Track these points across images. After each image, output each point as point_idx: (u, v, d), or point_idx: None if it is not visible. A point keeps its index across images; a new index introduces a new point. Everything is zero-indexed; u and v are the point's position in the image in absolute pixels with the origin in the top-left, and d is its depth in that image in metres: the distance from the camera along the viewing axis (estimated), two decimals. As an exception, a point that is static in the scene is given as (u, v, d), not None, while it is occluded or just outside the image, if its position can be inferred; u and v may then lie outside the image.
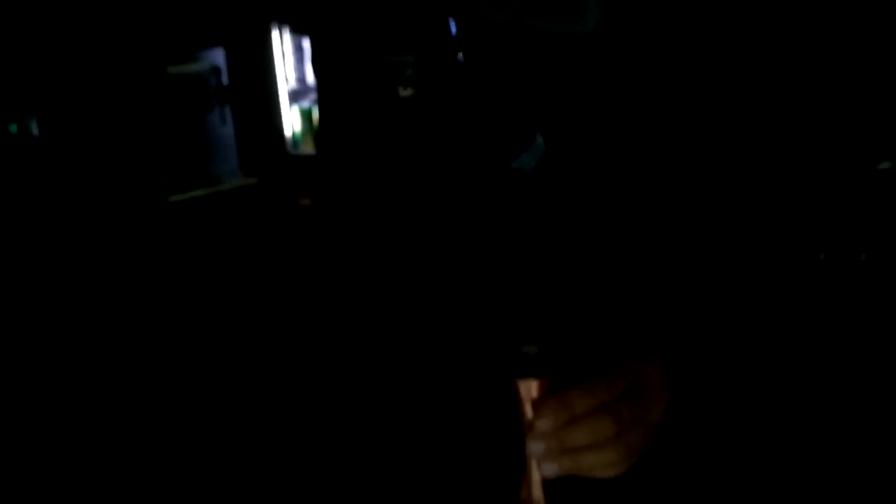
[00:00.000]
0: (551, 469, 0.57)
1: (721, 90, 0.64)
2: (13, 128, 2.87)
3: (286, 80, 3.65)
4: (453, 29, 0.61)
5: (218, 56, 3.36)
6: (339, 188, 0.76)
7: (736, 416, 0.67)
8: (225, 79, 3.38)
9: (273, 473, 1.80)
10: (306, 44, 3.24)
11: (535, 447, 0.57)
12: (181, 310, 2.74)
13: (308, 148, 3.50)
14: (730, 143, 0.64)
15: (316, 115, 3.09)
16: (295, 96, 3.70)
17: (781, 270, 0.66)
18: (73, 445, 2.00)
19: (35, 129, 2.90)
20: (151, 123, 3.11)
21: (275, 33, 3.54)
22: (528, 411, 0.58)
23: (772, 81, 0.64)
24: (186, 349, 2.50)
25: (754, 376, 0.66)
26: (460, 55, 0.61)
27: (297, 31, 3.41)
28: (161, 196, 3.13)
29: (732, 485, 0.68)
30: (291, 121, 3.69)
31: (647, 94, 0.63)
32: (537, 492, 0.59)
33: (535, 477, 0.59)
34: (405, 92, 0.59)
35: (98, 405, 2.19)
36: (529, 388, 0.58)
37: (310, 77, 3.37)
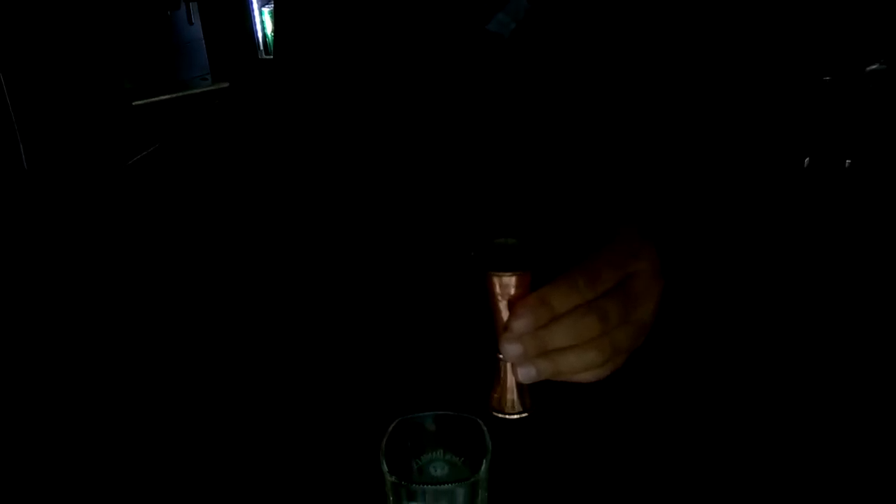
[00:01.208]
0: (528, 373, 0.51)
1: None
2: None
3: (256, -23, 3.46)
4: None
5: (182, -51, 3.17)
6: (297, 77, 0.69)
7: (729, 312, 0.62)
8: (190, -27, 3.20)
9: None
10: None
11: (510, 349, 0.50)
12: (147, 223, 2.66)
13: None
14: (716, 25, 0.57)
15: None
16: (266, -4, 3.53)
17: (768, 173, 0.60)
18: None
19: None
20: (112, 22, 2.93)
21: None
22: (503, 310, 0.51)
23: None
24: (153, 265, 2.44)
25: (745, 273, 0.60)
26: None
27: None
28: (126, 101, 2.98)
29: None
30: (263, 23, 3.54)
31: None
32: (511, 398, 0.53)
33: (509, 382, 0.53)
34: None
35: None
36: (504, 284, 0.51)
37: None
